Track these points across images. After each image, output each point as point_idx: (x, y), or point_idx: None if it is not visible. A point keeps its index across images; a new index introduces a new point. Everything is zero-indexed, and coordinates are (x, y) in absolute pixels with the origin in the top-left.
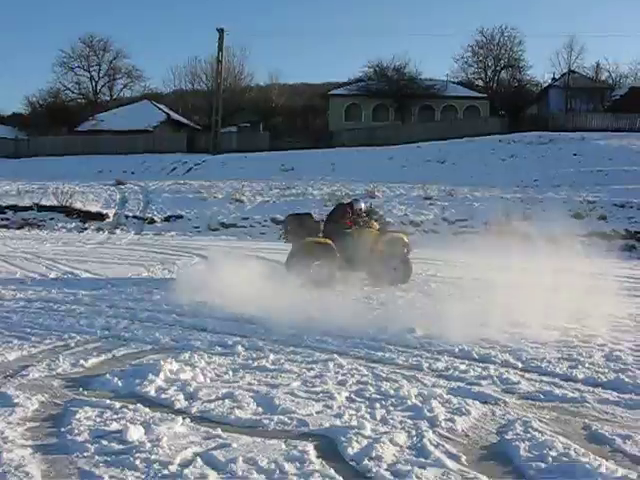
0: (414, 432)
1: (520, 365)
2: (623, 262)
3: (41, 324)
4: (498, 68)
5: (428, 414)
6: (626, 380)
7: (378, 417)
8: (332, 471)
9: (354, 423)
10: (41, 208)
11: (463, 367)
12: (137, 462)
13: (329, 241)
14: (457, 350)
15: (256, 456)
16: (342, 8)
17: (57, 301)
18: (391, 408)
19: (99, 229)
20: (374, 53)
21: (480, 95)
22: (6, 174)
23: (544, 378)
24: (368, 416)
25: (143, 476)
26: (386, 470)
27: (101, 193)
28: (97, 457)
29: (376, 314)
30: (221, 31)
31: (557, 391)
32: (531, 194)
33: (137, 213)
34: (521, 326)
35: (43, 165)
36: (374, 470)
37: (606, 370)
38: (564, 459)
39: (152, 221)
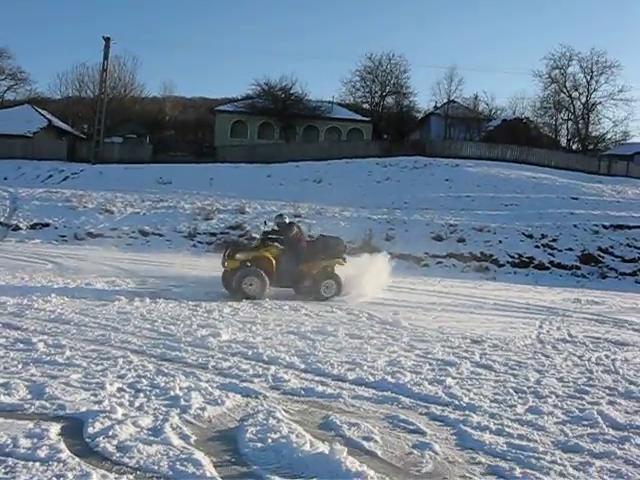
0: (161, 417)
1: (302, 367)
2: (470, 282)
3: None
4: (384, 93)
5: (184, 403)
6: (389, 380)
7: (136, 404)
8: (63, 445)
9: (108, 408)
10: None
11: (246, 367)
12: None
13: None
14: (250, 353)
15: None
16: (237, 27)
17: None
18: (153, 397)
19: None
20: (263, 72)
21: (364, 119)
22: None
23: (316, 378)
24: (127, 403)
25: None
26: (114, 446)
27: None
28: None
29: (198, 320)
30: (107, 39)
31: (320, 388)
32: (397, 215)
33: (1, 219)
34: (326, 333)
35: None
36: (102, 446)
37: (379, 372)
38: (282, 440)
39: (17, 228)
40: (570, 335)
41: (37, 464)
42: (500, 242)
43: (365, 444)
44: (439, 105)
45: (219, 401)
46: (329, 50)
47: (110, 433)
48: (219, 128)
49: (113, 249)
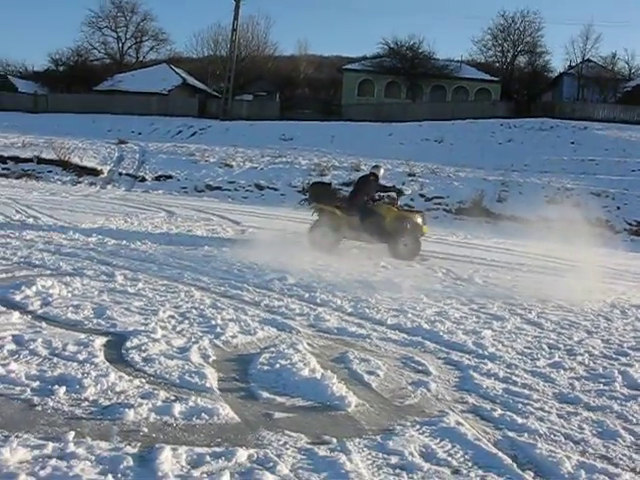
0: (193, 340)
1: (349, 310)
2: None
3: None
4: (516, 53)
5: (219, 330)
6: (424, 327)
7: (177, 329)
8: (101, 353)
9: (150, 329)
10: (41, 161)
11: (295, 307)
12: None
13: (336, 210)
14: (307, 295)
15: (53, 339)
16: None
17: (2, 236)
18: (195, 325)
19: (92, 184)
20: (393, 30)
21: (492, 78)
22: (21, 128)
23: (356, 320)
24: (170, 327)
25: None
26: (141, 357)
27: (101, 150)
28: None
29: (273, 265)
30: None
31: (353, 329)
32: (513, 178)
33: (130, 171)
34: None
35: (57, 121)
36: (131, 356)
37: (420, 320)
38: (287, 366)
39: (143, 179)
40: None
41: (74, 364)
42: (618, 208)
43: (365, 377)
44: (573, 65)
45: (252, 332)
46: (459, 7)
47: (143, 348)
48: (346, 87)
49: (228, 201)
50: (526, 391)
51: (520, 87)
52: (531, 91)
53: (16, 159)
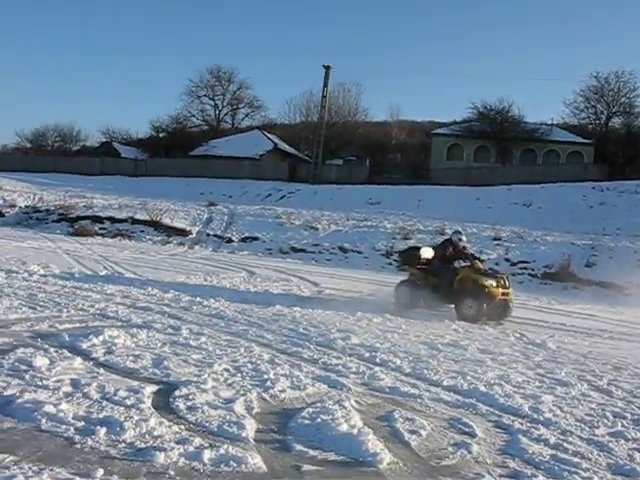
0: (242, 392)
1: (407, 371)
2: None
3: (55, 301)
4: (610, 114)
5: (269, 384)
6: (481, 389)
7: (229, 381)
8: (148, 400)
9: (202, 380)
10: (135, 221)
11: (351, 365)
12: (25, 375)
13: (417, 270)
14: (367, 355)
15: (106, 385)
16: (457, 51)
17: (84, 289)
18: (247, 378)
19: (181, 244)
20: (482, 95)
21: (584, 141)
22: (121, 190)
23: (411, 380)
24: (222, 379)
25: (23, 383)
26: (186, 406)
27: (191, 212)
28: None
29: (341, 326)
30: (327, 68)
31: (406, 389)
32: (604, 242)
33: (218, 232)
34: (458, 346)
35: (154, 184)
36: (177, 404)
37: (479, 383)
38: (328, 421)
39: (230, 240)
40: None
41: (121, 408)
42: None
43: (406, 435)
44: None
45: (302, 387)
46: (549, 70)
47: (190, 397)
48: (435, 151)
49: (312, 263)
50: (576, 459)
51: (615, 149)
52: (627, 153)
53: (112, 219)
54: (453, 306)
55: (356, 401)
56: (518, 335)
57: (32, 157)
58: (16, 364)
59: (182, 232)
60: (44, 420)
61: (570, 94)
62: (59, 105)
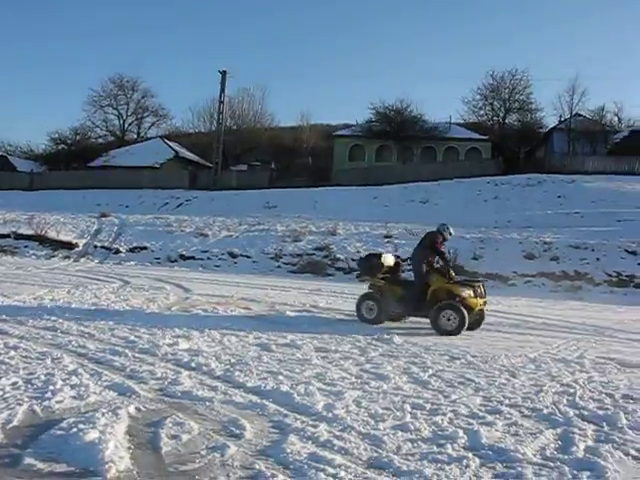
0: (11, 405)
1: (218, 374)
2: (551, 301)
3: None
4: (507, 110)
5: (49, 395)
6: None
7: (6, 395)
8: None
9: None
10: (18, 236)
11: (160, 371)
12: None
13: (381, 281)
14: (186, 360)
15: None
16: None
17: None
18: (30, 390)
19: (66, 257)
20: (380, 96)
21: (482, 137)
22: (11, 206)
23: (215, 384)
24: None
25: None
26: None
27: (80, 224)
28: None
29: (180, 331)
30: (223, 73)
31: (199, 392)
32: (493, 235)
33: (106, 244)
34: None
35: (48, 198)
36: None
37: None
38: (81, 432)
39: (117, 251)
40: (580, 357)
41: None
42: (597, 259)
43: (163, 441)
44: (563, 120)
45: (85, 396)
46: (446, 70)
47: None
48: (337, 153)
49: (199, 270)
50: (335, 456)
51: (512, 145)
52: (523, 148)
53: None
54: (428, 320)
55: (136, 408)
56: (370, 332)
57: None
58: None
59: (68, 245)
60: None
61: (468, 92)
62: None
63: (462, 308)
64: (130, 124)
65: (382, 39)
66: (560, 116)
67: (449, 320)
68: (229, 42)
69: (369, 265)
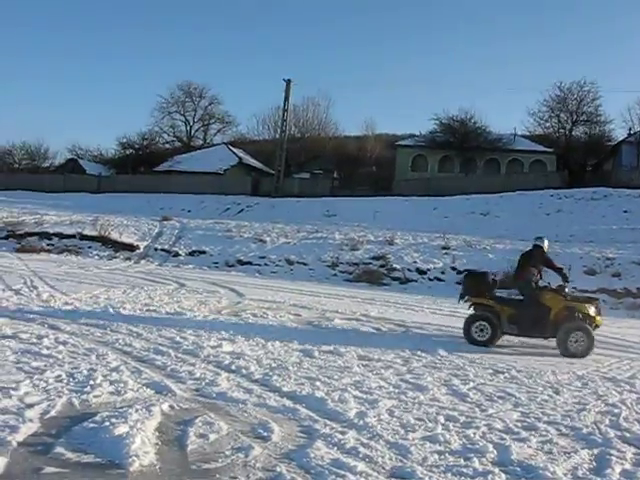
0: (51, 397)
1: (256, 378)
2: (610, 319)
3: None
4: (574, 122)
5: (88, 390)
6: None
7: (48, 387)
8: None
9: (15, 386)
10: (83, 237)
11: (200, 372)
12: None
13: (490, 301)
14: (227, 362)
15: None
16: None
17: None
18: (71, 384)
19: (127, 258)
20: (444, 106)
21: (546, 149)
22: (79, 207)
23: (251, 387)
24: (42, 385)
25: None
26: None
27: (142, 227)
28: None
29: (227, 334)
30: (288, 82)
31: (234, 394)
32: (554, 249)
33: (166, 247)
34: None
35: (114, 201)
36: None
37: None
38: (111, 426)
39: (177, 254)
40: (632, 377)
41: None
42: None
43: (190, 439)
44: (633, 132)
45: (122, 392)
46: (513, 81)
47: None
48: (400, 163)
49: (255, 276)
50: (358, 463)
51: (578, 157)
52: (590, 161)
53: (60, 235)
54: (555, 340)
55: (170, 406)
56: (416, 343)
57: None
58: None
59: (129, 247)
60: None
61: (534, 104)
62: (27, 124)
63: (591, 329)
64: (197, 130)
65: (447, 49)
66: (630, 129)
67: (576, 342)
68: (295, 51)
69: (472, 284)
